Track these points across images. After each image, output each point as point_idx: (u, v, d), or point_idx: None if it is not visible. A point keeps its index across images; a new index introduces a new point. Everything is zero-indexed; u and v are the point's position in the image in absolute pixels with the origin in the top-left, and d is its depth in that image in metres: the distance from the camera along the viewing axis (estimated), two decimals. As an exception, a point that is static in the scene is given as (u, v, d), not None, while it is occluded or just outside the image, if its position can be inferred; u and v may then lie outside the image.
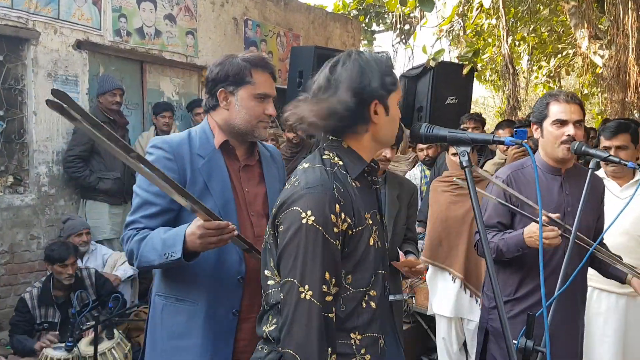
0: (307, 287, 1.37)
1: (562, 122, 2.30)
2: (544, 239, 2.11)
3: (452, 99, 6.80)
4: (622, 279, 2.42)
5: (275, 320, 1.47)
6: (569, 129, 2.28)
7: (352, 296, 1.47)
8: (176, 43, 6.08)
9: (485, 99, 21.44)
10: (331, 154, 1.52)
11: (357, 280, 1.47)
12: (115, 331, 3.50)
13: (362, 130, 1.51)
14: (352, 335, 1.46)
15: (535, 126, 2.44)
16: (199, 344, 1.84)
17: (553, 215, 2.18)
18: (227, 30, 6.69)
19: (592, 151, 2.15)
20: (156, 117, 5.53)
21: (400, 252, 2.68)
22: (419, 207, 4.61)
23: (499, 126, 5.09)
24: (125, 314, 3.98)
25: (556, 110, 2.32)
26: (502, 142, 1.39)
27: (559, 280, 1.98)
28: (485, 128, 5.69)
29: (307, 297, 1.36)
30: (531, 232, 2.20)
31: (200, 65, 6.39)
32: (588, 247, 2.12)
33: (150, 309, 2.02)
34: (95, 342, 3.21)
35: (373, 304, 1.50)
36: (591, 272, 2.54)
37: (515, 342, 1.77)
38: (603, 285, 2.95)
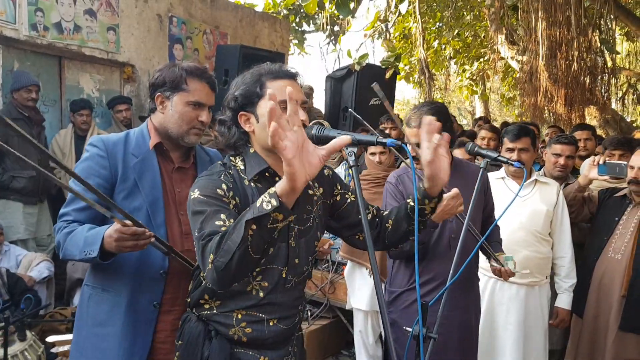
0: (198, 232, 1.51)
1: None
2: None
3: (375, 100, 6.99)
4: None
5: (191, 287, 1.75)
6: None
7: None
8: (97, 39, 5.93)
9: (417, 99, 22.06)
10: (236, 158, 1.69)
11: None
12: (27, 333, 3.40)
13: (247, 139, 1.69)
14: (235, 312, 1.66)
15: None
16: (119, 331, 1.95)
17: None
18: (151, 26, 6.58)
19: (484, 151, 2.31)
20: (74, 115, 5.36)
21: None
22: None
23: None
24: (38, 315, 3.87)
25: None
26: (384, 144, 1.48)
27: (451, 270, 2.12)
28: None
29: (196, 233, 1.51)
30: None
31: (122, 62, 6.26)
32: (477, 238, 2.28)
33: (79, 297, 2.13)
34: (5, 344, 3.12)
35: (261, 294, 1.65)
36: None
37: (409, 329, 1.90)
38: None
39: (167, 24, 6.80)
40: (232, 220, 1.48)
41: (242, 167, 1.66)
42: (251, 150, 1.67)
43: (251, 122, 1.64)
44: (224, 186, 1.57)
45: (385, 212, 1.92)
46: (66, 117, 5.73)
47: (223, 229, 1.45)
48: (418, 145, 2.41)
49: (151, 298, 1.99)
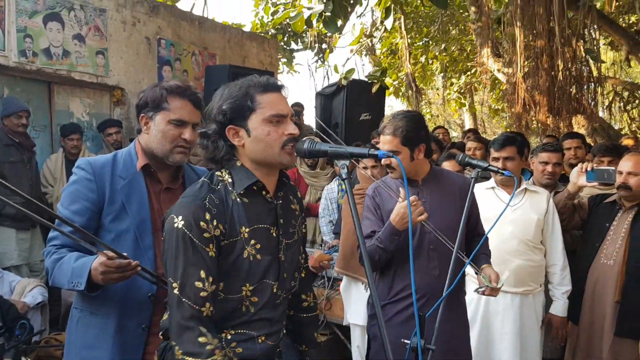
0: (176, 283, 1.54)
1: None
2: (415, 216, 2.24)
3: (365, 116, 7.05)
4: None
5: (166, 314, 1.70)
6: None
7: (225, 300, 1.61)
8: (86, 63, 5.95)
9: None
10: (223, 172, 1.67)
11: (227, 288, 1.60)
12: (23, 359, 3.37)
13: (235, 153, 1.67)
14: (224, 331, 1.63)
15: None
16: (108, 354, 1.94)
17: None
18: (140, 49, 6.62)
19: (474, 162, 2.34)
20: (64, 140, 5.36)
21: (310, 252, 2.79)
22: (333, 219, 4.76)
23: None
24: (34, 341, 3.84)
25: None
26: (375, 156, 1.50)
27: (447, 282, 2.13)
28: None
29: (176, 292, 1.54)
30: (396, 213, 2.34)
31: (112, 85, 6.29)
32: (452, 249, 2.28)
33: (69, 321, 2.11)
34: (-1, 373, 3.09)
35: (252, 309, 1.64)
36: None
37: (407, 341, 1.91)
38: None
39: (156, 46, 6.85)
40: (211, 280, 1.54)
41: (230, 180, 1.64)
42: (238, 164, 1.66)
43: (241, 136, 1.63)
44: (207, 216, 1.55)
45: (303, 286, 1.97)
46: (57, 141, 5.73)
47: (202, 294, 1.53)
48: (392, 152, 2.45)
49: (140, 321, 1.97)
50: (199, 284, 1.52)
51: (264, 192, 1.68)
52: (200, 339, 1.51)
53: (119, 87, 6.38)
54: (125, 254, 1.84)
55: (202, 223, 1.54)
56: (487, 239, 2.54)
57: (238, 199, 1.62)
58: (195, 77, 7.33)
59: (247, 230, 1.61)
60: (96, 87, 6.21)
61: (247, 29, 10.11)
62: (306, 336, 2.00)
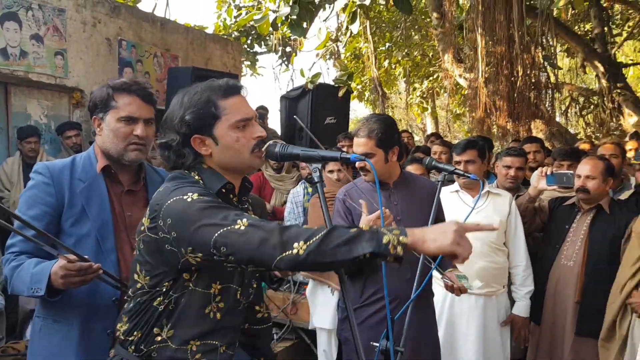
0: (238, 223, 1.38)
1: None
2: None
3: (331, 119, 7.07)
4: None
5: (128, 324, 1.59)
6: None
7: (193, 292, 1.56)
8: (44, 64, 5.79)
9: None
10: (192, 172, 1.61)
11: (198, 279, 1.56)
12: (-23, 372, 3.25)
13: (202, 160, 1.62)
14: (191, 342, 1.56)
15: None
16: None
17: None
18: (100, 50, 6.49)
19: (441, 165, 2.37)
20: (21, 142, 5.20)
21: None
22: (299, 223, 4.75)
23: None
24: (-12, 352, 3.70)
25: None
26: (347, 159, 1.51)
27: (415, 285, 2.15)
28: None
29: (244, 227, 1.37)
30: (366, 224, 2.33)
31: (71, 87, 6.14)
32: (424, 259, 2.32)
33: (31, 330, 2.06)
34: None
35: (218, 316, 1.60)
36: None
37: (376, 344, 1.92)
38: (463, 288, 3.21)
39: (117, 47, 6.72)
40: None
41: (200, 181, 1.60)
42: (205, 167, 1.61)
43: (208, 145, 1.58)
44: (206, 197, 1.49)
45: None
46: (13, 144, 5.56)
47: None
48: (365, 155, 2.46)
49: (105, 326, 1.92)
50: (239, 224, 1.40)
51: (231, 196, 1.65)
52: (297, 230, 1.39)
53: (79, 88, 6.23)
54: (86, 256, 1.79)
55: (207, 197, 1.49)
56: None
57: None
58: (157, 79, 7.22)
59: None
60: (55, 89, 6.06)
61: (209, 31, 10.01)
62: (262, 348, 1.96)
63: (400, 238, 1.31)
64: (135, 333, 1.57)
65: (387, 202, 2.57)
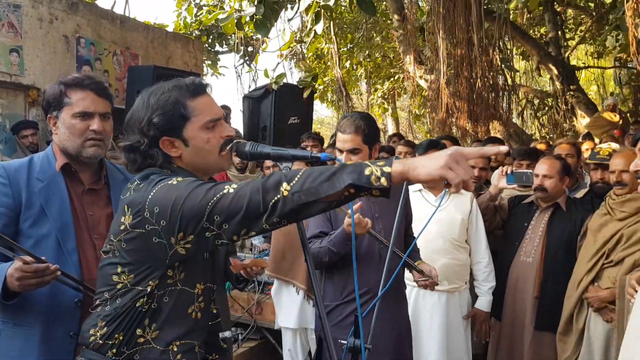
0: (227, 188, 1.37)
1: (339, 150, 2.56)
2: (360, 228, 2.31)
3: (294, 119, 7.07)
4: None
5: (106, 328, 1.52)
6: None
7: (180, 292, 1.54)
8: (-2, 61, 5.62)
9: (332, 118, 22.48)
10: (166, 170, 1.58)
11: (185, 279, 1.55)
12: None
13: (171, 161, 1.59)
14: (172, 344, 1.54)
15: None
16: None
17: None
18: (57, 48, 6.33)
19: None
20: (-25, 142, 5.05)
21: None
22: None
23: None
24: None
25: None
26: (318, 158, 1.52)
27: (381, 282, 2.18)
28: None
29: (232, 190, 1.36)
30: (348, 222, 2.38)
31: (27, 85, 6.00)
32: (400, 254, 2.38)
33: None
34: None
35: (199, 316, 1.59)
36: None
37: (344, 342, 1.93)
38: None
39: (75, 45, 6.57)
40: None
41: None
42: (175, 166, 1.59)
43: (177, 147, 1.57)
44: None
45: None
46: (-34, 144, 5.38)
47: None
48: (351, 151, 2.49)
49: (67, 328, 1.88)
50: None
51: None
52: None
53: (35, 87, 6.08)
54: (43, 257, 1.73)
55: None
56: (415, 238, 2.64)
57: None
58: (117, 78, 7.09)
59: None
60: (10, 87, 5.89)
61: (170, 29, 9.87)
62: (214, 344, 1.94)
63: (384, 168, 1.26)
64: (116, 336, 1.52)
65: (366, 199, 2.60)
